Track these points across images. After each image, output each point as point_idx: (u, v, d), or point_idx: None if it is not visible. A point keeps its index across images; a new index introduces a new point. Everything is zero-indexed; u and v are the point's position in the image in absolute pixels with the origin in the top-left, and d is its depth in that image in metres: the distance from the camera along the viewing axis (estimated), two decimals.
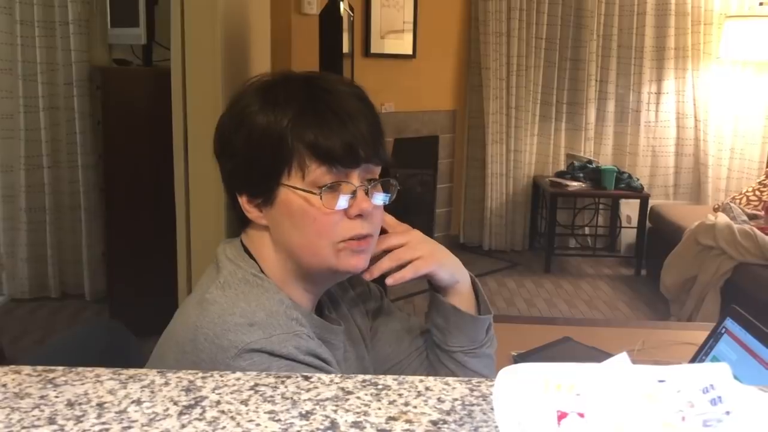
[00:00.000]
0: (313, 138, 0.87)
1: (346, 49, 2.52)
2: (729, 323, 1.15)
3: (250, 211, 0.93)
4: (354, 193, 0.89)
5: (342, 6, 2.22)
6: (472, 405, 0.59)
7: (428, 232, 4.59)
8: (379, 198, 0.93)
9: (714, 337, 1.17)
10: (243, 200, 0.93)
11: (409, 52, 4.32)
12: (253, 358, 0.81)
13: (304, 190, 0.88)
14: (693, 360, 1.21)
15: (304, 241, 0.90)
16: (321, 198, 0.87)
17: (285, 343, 0.83)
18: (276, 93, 0.91)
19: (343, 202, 0.88)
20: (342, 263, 0.91)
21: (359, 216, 0.90)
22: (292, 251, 0.92)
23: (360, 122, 0.89)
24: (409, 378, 0.64)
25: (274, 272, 0.93)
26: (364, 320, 1.09)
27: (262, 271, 0.92)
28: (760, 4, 4.51)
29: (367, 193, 0.90)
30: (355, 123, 0.89)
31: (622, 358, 0.50)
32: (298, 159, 0.88)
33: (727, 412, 0.45)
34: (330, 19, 2.18)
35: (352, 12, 3.04)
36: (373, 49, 4.13)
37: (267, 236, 0.94)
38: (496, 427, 0.51)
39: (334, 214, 0.88)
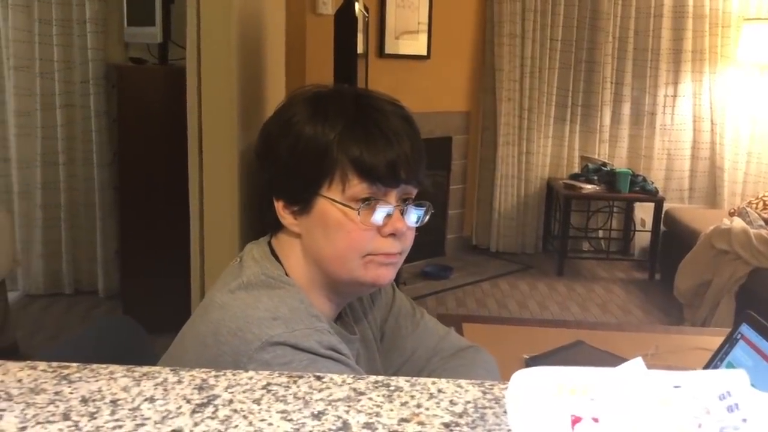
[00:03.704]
0: (358, 154, 0.89)
1: (360, 49, 2.52)
2: (744, 329, 1.13)
3: (285, 217, 0.95)
4: (390, 212, 0.91)
5: (357, 6, 2.22)
6: (485, 408, 0.59)
7: (440, 233, 4.60)
8: (413, 219, 0.94)
9: (729, 342, 1.16)
10: (279, 206, 0.95)
11: (424, 53, 4.31)
12: (276, 351, 0.82)
13: (342, 204, 0.90)
14: (707, 366, 1.20)
15: (334, 251, 0.92)
16: (359, 214, 0.89)
17: (308, 338, 0.84)
18: (326, 106, 0.93)
19: (378, 219, 0.90)
20: (369, 275, 0.92)
21: (392, 234, 0.91)
22: (321, 261, 0.93)
23: (404, 143, 0.91)
24: (422, 380, 0.64)
25: (300, 278, 0.94)
26: (376, 319, 1.10)
27: (287, 275, 0.94)
28: None
29: (402, 214, 0.92)
30: (400, 143, 0.90)
31: (637, 363, 0.50)
32: (341, 172, 0.89)
33: (744, 420, 0.45)
34: (345, 19, 2.18)
35: (367, 12, 3.04)
36: (388, 50, 4.13)
37: (297, 243, 0.95)
38: (509, 430, 0.51)
39: (368, 230, 0.90)
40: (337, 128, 0.90)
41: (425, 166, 0.95)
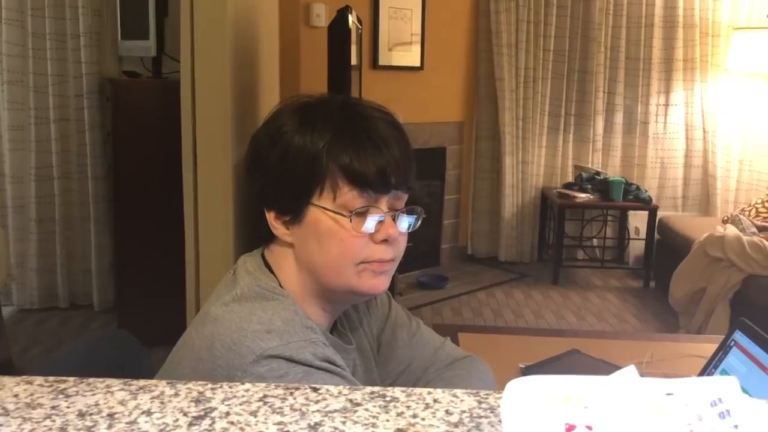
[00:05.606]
0: (348, 161, 0.89)
1: (354, 61, 2.53)
2: (738, 336, 1.14)
3: (277, 227, 0.95)
4: (382, 219, 0.91)
5: (350, 18, 2.23)
6: (480, 417, 0.59)
7: (435, 243, 4.61)
8: (405, 225, 0.94)
9: (723, 350, 1.17)
10: (271, 216, 0.95)
11: (417, 64, 4.33)
12: (270, 364, 0.82)
13: (334, 212, 0.90)
14: (702, 373, 1.21)
15: (327, 260, 0.92)
16: (351, 221, 0.89)
17: (302, 350, 0.84)
18: (314, 114, 0.93)
19: (370, 226, 0.90)
20: (363, 284, 0.92)
21: (384, 241, 0.92)
22: (314, 270, 0.93)
23: (394, 149, 0.91)
24: (417, 390, 0.64)
25: (294, 288, 0.94)
26: (372, 329, 1.10)
27: (281, 286, 0.94)
28: None
29: (394, 220, 0.92)
30: (389, 149, 0.91)
31: (630, 371, 0.50)
32: (331, 180, 0.90)
33: (736, 426, 0.45)
34: (338, 31, 2.19)
35: (361, 24, 3.06)
36: (381, 62, 4.15)
37: (290, 253, 0.95)
38: None
39: (360, 238, 0.90)
40: (326, 137, 0.90)
41: (415, 172, 0.96)
